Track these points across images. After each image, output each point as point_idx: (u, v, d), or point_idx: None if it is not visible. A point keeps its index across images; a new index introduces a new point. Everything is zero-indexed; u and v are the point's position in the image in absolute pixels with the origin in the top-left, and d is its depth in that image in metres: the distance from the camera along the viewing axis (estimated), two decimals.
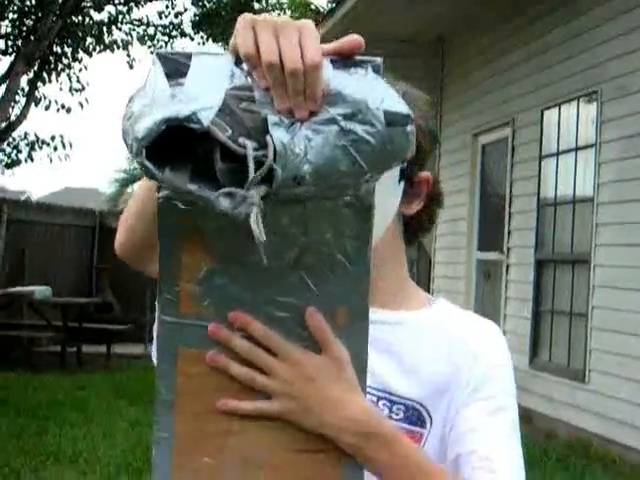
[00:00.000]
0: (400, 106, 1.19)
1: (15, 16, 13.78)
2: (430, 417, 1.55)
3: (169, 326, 1.28)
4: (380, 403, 1.55)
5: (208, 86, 1.18)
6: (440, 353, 1.58)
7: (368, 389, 1.49)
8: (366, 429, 1.36)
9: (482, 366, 1.58)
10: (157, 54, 1.20)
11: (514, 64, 9.30)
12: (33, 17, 13.62)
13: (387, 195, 1.51)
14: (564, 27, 8.30)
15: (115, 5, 14.58)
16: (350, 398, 1.35)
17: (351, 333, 1.34)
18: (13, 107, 13.59)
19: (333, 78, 1.20)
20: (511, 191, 9.28)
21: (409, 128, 1.18)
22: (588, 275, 7.65)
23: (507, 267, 9.34)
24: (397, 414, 1.55)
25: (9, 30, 13.78)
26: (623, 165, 7.28)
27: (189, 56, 1.23)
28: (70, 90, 14.42)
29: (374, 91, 1.20)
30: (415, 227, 1.66)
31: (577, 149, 8.07)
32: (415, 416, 1.55)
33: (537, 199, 8.69)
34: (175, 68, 1.21)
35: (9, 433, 7.95)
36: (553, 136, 8.51)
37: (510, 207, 9.30)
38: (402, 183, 1.54)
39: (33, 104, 13.80)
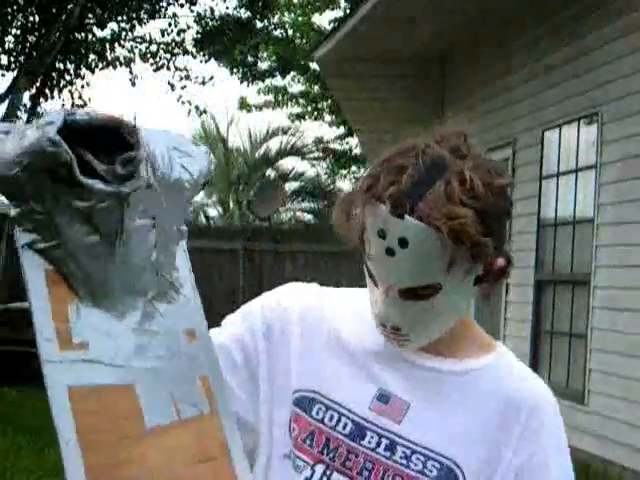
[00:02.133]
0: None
1: (18, 32, 13.81)
2: (463, 477, 1.53)
3: (52, 366, 1.31)
4: (414, 457, 1.53)
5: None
6: (491, 416, 1.57)
7: (405, 441, 1.54)
8: None
9: (524, 419, 1.59)
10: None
11: (515, 85, 9.32)
12: (36, 33, 13.66)
13: (463, 300, 1.60)
14: (565, 49, 8.32)
15: (118, 22, 14.61)
16: None
17: (199, 350, 1.46)
18: (15, 123, 13.61)
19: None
20: (511, 211, 9.27)
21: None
22: (588, 296, 7.65)
23: (507, 287, 9.33)
24: (431, 471, 1.53)
25: (12, 46, 13.81)
26: (623, 186, 7.28)
27: None
28: (72, 106, 14.43)
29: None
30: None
31: (577, 170, 8.08)
32: (449, 476, 1.53)
33: (537, 220, 8.70)
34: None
35: (7, 449, 7.93)
36: (553, 157, 8.52)
37: (510, 227, 9.27)
38: (477, 286, 1.58)
39: (35, 120, 13.83)
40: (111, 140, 1.32)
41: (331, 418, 1.55)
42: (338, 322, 1.64)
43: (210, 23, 15.46)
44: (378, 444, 1.53)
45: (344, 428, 1.54)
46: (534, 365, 8.58)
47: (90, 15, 14.18)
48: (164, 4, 14.83)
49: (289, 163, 24.05)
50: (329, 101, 20.35)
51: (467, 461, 1.52)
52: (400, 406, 1.55)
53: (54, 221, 1.30)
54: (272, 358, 1.61)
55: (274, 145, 23.48)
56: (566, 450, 1.60)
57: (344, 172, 25.32)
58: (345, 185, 24.99)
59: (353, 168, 24.61)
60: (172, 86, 15.29)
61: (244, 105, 23.11)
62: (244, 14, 15.99)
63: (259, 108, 22.68)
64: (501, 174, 1.53)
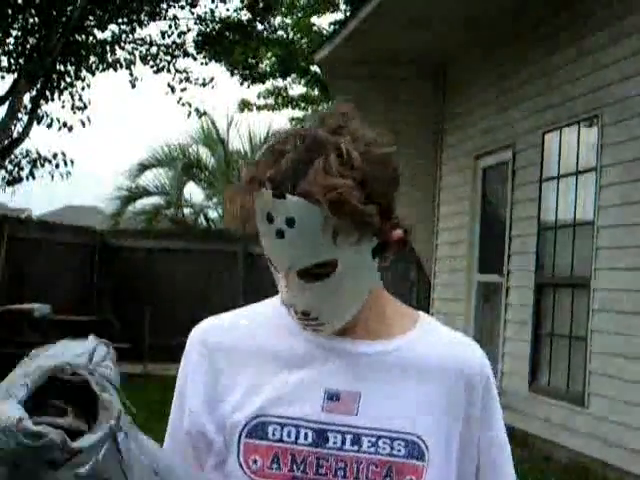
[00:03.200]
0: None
1: (19, 34, 13.81)
2: (427, 448, 1.55)
3: None
4: (380, 442, 1.54)
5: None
6: (434, 382, 1.59)
7: (367, 430, 1.55)
8: None
9: (481, 394, 1.62)
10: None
11: (515, 87, 9.33)
12: (37, 35, 13.65)
13: (364, 274, 1.56)
14: (565, 51, 8.33)
15: (118, 24, 14.61)
16: None
17: None
18: (15, 125, 13.61)
19: None
20: (511, 214, 9.29)
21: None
22: (588, 298, 7.65)
23: (507, 290, 9.33)
24: (399, 450, 1.54)
25: (12, 48, 13.81)
26: (623, 189, 7.29)
27: None
28: (72, 108, 14.44)
29: None
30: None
31: (578, 173, 8.08)
32: (416, 450, 1.55)
33: (537, 222, 8.70)
34: None
35: None
36: (554, 159, 8.52)
37: (510, 230, 9.30)
38: (377, 258, 1.56)
39: (35, 122, 13.82)
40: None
41: (289, 434, 1.53)
42: (256, 338, 1.62)
43: (210, 25, 15.45)
44: (343, 442, 1.53)
45: (305, 438, 1.53)
46: (534, 367, 8.59)
47: (90, 17, 14.18)
48: (164, 6, 14.83)
49: None
50: (329, 103, 20.31)
51: (428, 431, 1.54)
52: (351, 398, 1.56)
53: None
54: (213, 416, 1.59)
55: None
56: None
57: None
58: None
59: None
60: (172, 88, 15.28)
61: (245, 105, 23.10)
62: (244, 16, 15.99)
63: (259, 108, 22.68)
64: (382, 144, 1.53)
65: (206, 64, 16.00)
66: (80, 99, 14.48)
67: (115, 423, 1.29)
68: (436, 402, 1.58)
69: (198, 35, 15.47)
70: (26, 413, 1.25)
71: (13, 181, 13.99)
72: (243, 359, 1.60)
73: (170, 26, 15.12)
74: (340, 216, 1.44)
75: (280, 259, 1.53)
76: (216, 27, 15.43)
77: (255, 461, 1.54)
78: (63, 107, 14.40)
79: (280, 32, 20.03)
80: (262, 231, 1.51)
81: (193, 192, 24.89)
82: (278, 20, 19.78)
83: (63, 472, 1.25)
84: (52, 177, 14.01)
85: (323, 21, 35.75)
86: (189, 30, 15.34)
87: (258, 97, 22.29)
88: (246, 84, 19.10)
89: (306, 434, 1.54)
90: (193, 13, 15.22)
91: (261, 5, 15.65)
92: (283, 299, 1.55)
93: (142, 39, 15.05)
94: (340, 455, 1.53)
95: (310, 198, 1.44)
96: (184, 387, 1.64)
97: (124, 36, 14.75)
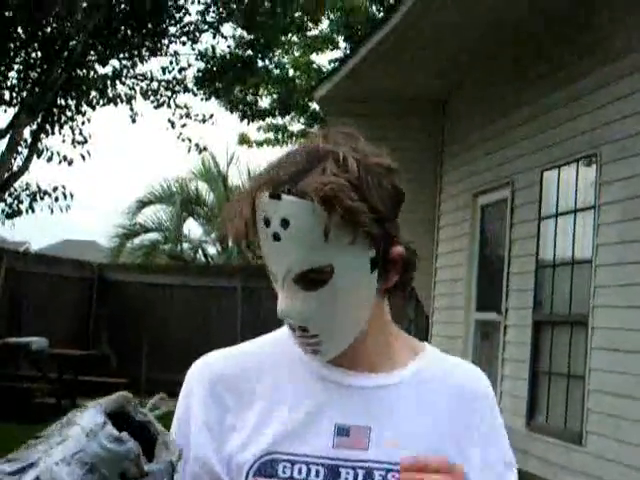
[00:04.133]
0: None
1: (21, 67, 13.88)
2: None
3: None
4: (389, 475, 1.53)
5: None
6: (437, 411, 1.60)
7: (377, 464, 1.54)
8: None
9: (487, 420, 1.63)
10: None
11: (514, 125, 9.36)
12: (38, 69, 13.72)
13: (361, 288, 1.55)
14: (565, 89, 8.36)
15: (120, 59, 14.69)
16: None
17: None
18: (15, 158, 13.66)
19: None
20: (510, 252, 9.29)
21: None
22: (586, 337, 7.64)
23: (505, 328, 9.32)
24: None
25: (15, 82, 13.88)
26: (622, 227, 7.30)
27: None
28: (73, 142, 14.49)
29: None
30: (394, 291, 1.65)
31: (576, 211, 8.10)
32: None
33: (536, 260, 8.70)
34: None
35: None
36: (552, 197, 8.54)
37: (509, 268, 9.31)
38: (375, 271, 1.56)
39: (35, 155, 13.86)
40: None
41: (300, 471, 1.52)
42: (261, 373, 1.62)
43: (211, 61, 15.54)
44: (355, 477, 1.52)
45: (317, 475, 1.52)
46: (532, 405, 8.56)
47: (92, 52, 14.27)
48: (166, 42, 14.92)
49: None
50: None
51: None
52: (362, 433, 1.55)
53: None
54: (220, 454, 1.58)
55: None
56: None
57: None
58: None
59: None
60: (172, 123, 15.35)
61: (244, 140, 23.18)
62: (245, 53, 16.08)
63: (259, 144, 22.76)
64: (381, 155, 1.58)
65: (206, 100, 16.08)
66: (80, 133, 14.55)
67: (176, 460, 1.32)
68: (440, 430, 1.58)
69: (199, 71, 15.55)
70: (109, 420, 1.28)
71: (12, 214, 14.01)
72: (249, 395, 1.58)
73: (171, 62, 15.22)
74: (331, 212, 1.46)
75: (277, 264, 1.53)
76: (216, 63, 15.51)
77: None
78: (64, 141, 14.47)
79: (279, 70, 20.14)
80: (261, 238, 1.53)
81: (192, 228, 24.95)
82: (277, 58, 19.91)
83: None
84: (52, 211, 14.04)
85: (323, 59, 35.90)
86: (190, 66, 15.43)
87: (258, 130, 22.37)
88: (246, 121, 19.17)
89: (317, 471, 1.52)
90: (194, 49, 15.32)
91: (261, 42, 15.75)
92: (280, 310, 1.54)
93: (143, 74, 15.14)
94: None
95: (303, 196, 1.46)
96: (186, 416, 1.61)
97: (125, 71, 14.83)
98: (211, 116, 15.68)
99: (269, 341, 1.68)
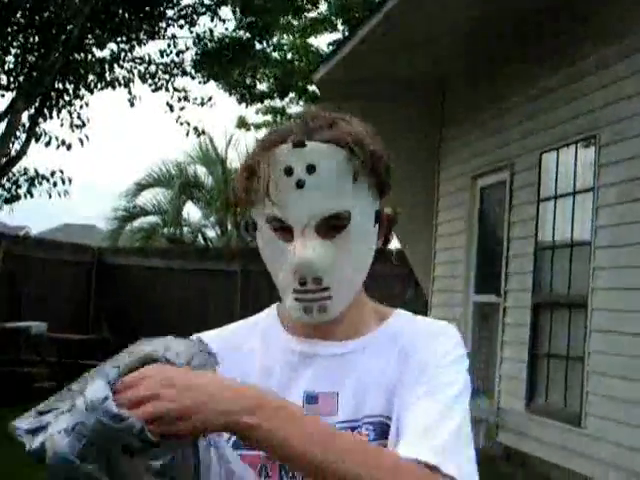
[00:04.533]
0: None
1: (18, 52, 13.84)
2: (389, 425, 1.57)
3: None
4: (355, 433, 1.58)
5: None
6: (392, 362, 1.62)
7: (344, 424, 1.58)
8: (258, 402, 1.37)
9: (422, 354, 1.61)
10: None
11: (513, 107, 9.36)
12: (36, 53, 13.69)
13: (369, 239, 1.63)
14: (562, 72, 8.36)
15: (117, 43, 14.65)
16: (223, 384, 1.39)
17: None
18: (13, 143, 13.63)
19: None
20: (509, 234, 9.30)
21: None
22: (585, 319, 7.66)
23: (504, 310, 9.33)
24: (368, 435, 1.58)
25: (12, 66, 13.85)
26: (621, 209, 7.30)
27: None
28: (71, 126, 14.46)
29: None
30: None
31: (575, 193, 8.10)
32: (382, 430, 1.58)
33: (535, 242, 8.71)
34: None
35: (7, 472, 7.94)
36: (551, 180, 8.54)
37: (508, 250, 9.31)
38: (376, 226, 1.64)
39: (33, 140, 13.83)
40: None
41: None
42: (240, 349, 1.69)
43: (209, 44, 15.50)
44: None
45: None
46: (531, 387, 8.58)
47: (89, 35, 14.23)
48: (163, 25, 14.88)
49: None
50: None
51: (388, 407, 1.57)
52: (330, 399, 1.60)
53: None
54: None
55: None
56: (459, 370, 1.60)
57: None
58: None
59: None
60: (171, 107, 15.31)
61: (243, 124, 23.15)
62: (243, 36, 16.04)
63: (258, 127, 22.73)
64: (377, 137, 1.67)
65: (204, 83, 16.05)
66: (79, 117, 14.51)
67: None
68: (391, 375, 1.60)
69: (196, 54, 15.52)
70: (111, 394, 1.28)
71: (11, 199, 13.99)
72: (229, 370, 1.59)
73: (169, 45, 15.18)
74: (360, 156, 1.55)
75: (298, 213, 1.56)
76: (214, 46, 15.47)
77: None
78: (62, 125, 14.44)
79: (278, 52, 20.10)
80: (278, 190, 1.55)
81: (191, 211, 24.94)
82: (276, 40, 19.86)
83: (136, 460, 1.28)
84: (50, 195, 14.02)
85: (321, 41, 35.82)
86: (188, 49, 15.39)
87: (257, 113, 22.34)
88: (244, 104, 19.14)
89: None
90: (192, 32, 15.28)
91: (259, 25, 15.70)
92: (300, 260, 1.55)
93: (141, 58, 15.09)
94: None
95: (332, 141, 1.54)
96: None
97: (123, 55, 14.79)
98: (209, 99, 15.65)
99: (255, 318, 1.76)
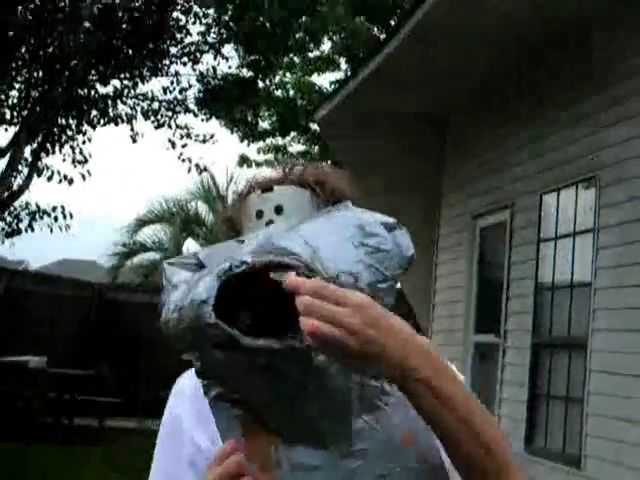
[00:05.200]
0: (386, 217, 1.41)
1: (22, 87, 13.91)
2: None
3: None
4: None
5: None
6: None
7: None
8: (437, 363, 1.41)
9: None
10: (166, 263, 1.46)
11: (514, 148, 9.38)
12: (40, 89, 13.75)
13: None
14: (563, 113, 8.38)
15: (120, 79, 14.72)
16: (415, 335, 1.40)
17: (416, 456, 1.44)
18: (16, 177, 13.66)
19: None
20: (509, 274, 9.29)
21: (404, 229, 1.39)
22: (585, 360, 7.63)
23: (503, 350, 9.31)
24: None
25: (15, 101, 13.90)
26: (621, 250, 7.30)
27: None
28: (73, 162, 14.50)
29: (364, 213, 1.41)
30: None
31: (575, 234, 8.10)
32: None
33: (535, 283, 8.69)
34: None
35: None
36: (551, 220, 8.54)
37: (508, 290, 9.30)
38: None
39: (35, 174, 13.87)
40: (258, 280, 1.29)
41: None
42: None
43: (212, 82, 15.57)
44: None
45: None
46: (530, 429, 8.54)
47: (93, 72, 14.30)
48: (167, 62, 14.96)
49: None
50: (329, 162, 20.43)
51: None
52: None
53: (234, 376, 1.28)
54: None
55: None
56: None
57: None
58: None
59: None
60: (173, 144, 15.36)
61: (244, 161, 23.20)
62: (246, 73, 16.13)
63: (259, 165, 22.77)
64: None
65: (207, 120, 16.11)
66: (81, 152, 14.57)
67: (280, 348, 1.24)
68: None
69: (199, 92, 15.58)
70: (213, 298, 1.24)
71: (12, 233, 14.01)
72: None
73: (172, 82, 15.27)
74: (320, 195, 1.65)
75: None
76: (217, 84, 15.54)
77: None
78: (64, 160, 14.48)
79: (280, 90, 20.18)
80: (253, 231, 1.62)
81: (191, 248, 24.91)
82: (278, 78, 19.95)
83: (230, 353, 1.25)
84: (51, 230, 14.04)
85: (323, 80, 36.02)
86: (191, 86, 15.47)
87: (258, 152, 22.40)
88: (246, 142, 19.19)
89: None
90: (195, 70, 15.37)
91: (262, 63, 15.79)
92: None
93: (144, 94, 15.17)
94: None
95: (297, 184, 1.66)
96: (177, 424, 1.68)
97: (126, 91, 14.87)
98: (212, 136, 15.72)
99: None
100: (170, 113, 15.34)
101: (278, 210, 1.62)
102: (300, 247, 1.29)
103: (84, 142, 14.60)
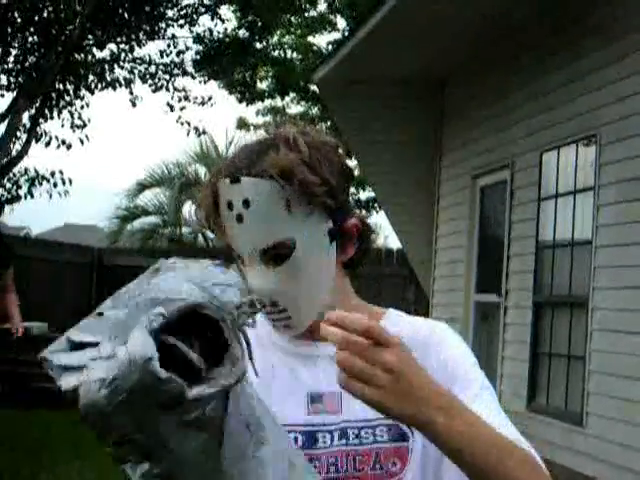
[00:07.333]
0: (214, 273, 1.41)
1: (18, 52, 13.84)
2: (410, 428, 1.59)
3: None
4: (362, 432, 1.63)
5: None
6: None
7: (348, 424, 1.63)
8: (450, 405, 1.39)
9: (442, 353, 1.70)
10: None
11: (513, 106, 9.35)
12: (36, 54, 13.68)
13: (322, 259, 1.67)
14: (564, 70, 8.35)
15: (117, 43, 14.65)
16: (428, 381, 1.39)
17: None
18: (14, 143, 13.62)
19: None
20: (509, 234, 9.29)
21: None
22: (586, 318, 7.65)
23: (505, 309, 9.33)
24: (382, 436, 1.63)
25: (12, 66, 13.84)
26: (621, 208, 7.29)
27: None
28: (71, 127, 14.46)
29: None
30: (353, 263, 1.76)
31: (576, 192, 8.09)
32: (397, 432, 1.63)
33: (535, 242, 8.70)
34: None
35: (3, 469, 7.90)
36: (552, 179, 8.53)
37: (508, 250, 9.30)
38: (334, 243, 1.68)
39: (34, 140, 13.82)
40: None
41: None
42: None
43: (209, 44, 15.49)
44: (332, 439, 1.62)
45: (296, 441, 1.61)
46: (532, 387, 8.57)
47: (89, 36, 14.22)
48: (163, 25, 14.87)
49: None
50: (328, 123, 20.37)
51: None
52: (333, 398, 1.65)
53: (163, 442, 1.24)
54: None
55: None
56: (475, 363, 1.78)
57: None
58: None
59: (352, 190, 24.62)
60: (171, 107, 15.31)
61: (243, 125, 23.14)
62: (243, 35, 16.05)
63: (258, 128, 22.70)
64: (325, 135, 1.72)
65: (205, 83, 16.05)
66: (79, 117, 14.51)
67: (232, 384, 1.26)
68: None
69: (197, 54, 15.51)
70: (156, 352, 1.19)
71: (11, 199, 13.98)
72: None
73: (169, 45, 15.17)
74: (289, 185, 1.60)
75: (243, 244, 1.66)
76: (214, 46, 15.47)
77: None
78: (62, 126, 14.43)
79: (278, 51, 20.09)
80: (227, 222, 1.65)
81: (191, 211, 24.87)
82: (276, 39, 19.86)
83: (170, 415, 1.23)
84: (50, 196, 14.01)
85: (321, 40, 35.83)
86: (188, 49, 15.38)
87: (257, 115, 22.33)
88: (244, 103, 19.12)
89: (296, 438, 1.62)
90: (192, 32, 15.27)
91: (259, 24, 15.70)
92: (251, 287, 1.62)
93: (141, 58, 15.08)
94: (331, 451, 1.62)
95: (261, 176, 1.60)
96: None
97: (123, 55, 14.79)
98: (210, 98, 15.64)
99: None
100: (167, 76, 15.26)
101: (245, 204, 1.61)
102: (186, 286, 1.30)
103: (82, 107, 14.54)
